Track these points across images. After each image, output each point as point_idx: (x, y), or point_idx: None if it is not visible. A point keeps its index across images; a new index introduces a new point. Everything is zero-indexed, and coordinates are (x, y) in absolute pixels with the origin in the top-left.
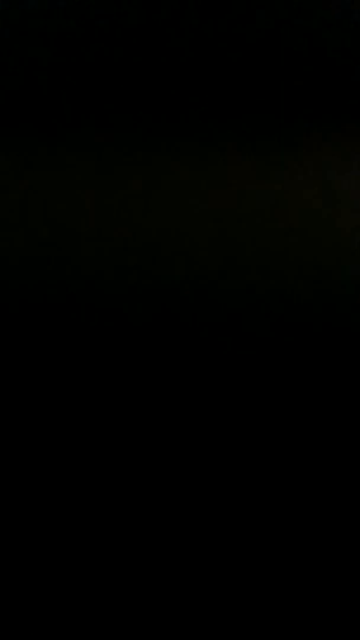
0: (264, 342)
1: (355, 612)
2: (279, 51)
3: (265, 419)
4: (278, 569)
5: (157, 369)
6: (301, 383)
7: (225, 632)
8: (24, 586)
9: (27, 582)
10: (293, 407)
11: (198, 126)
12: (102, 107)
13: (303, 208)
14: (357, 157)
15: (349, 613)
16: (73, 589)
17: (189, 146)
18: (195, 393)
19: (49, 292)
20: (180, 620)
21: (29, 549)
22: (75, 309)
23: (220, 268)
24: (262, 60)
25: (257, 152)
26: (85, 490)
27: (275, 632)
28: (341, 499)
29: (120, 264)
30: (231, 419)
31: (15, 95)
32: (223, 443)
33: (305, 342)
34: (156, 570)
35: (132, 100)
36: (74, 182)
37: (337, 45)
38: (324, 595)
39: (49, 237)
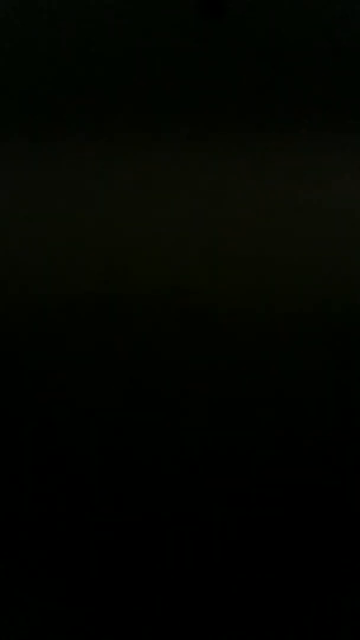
0: (263, 347)
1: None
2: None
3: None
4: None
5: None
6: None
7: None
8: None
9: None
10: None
11: (195, 124)
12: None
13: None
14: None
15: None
16: (72, 590)
17: (186, 145)
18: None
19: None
20: (180, 621)
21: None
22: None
23: (216, 270)
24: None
25: (255, 151)
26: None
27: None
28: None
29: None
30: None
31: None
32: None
33: (303, 343)
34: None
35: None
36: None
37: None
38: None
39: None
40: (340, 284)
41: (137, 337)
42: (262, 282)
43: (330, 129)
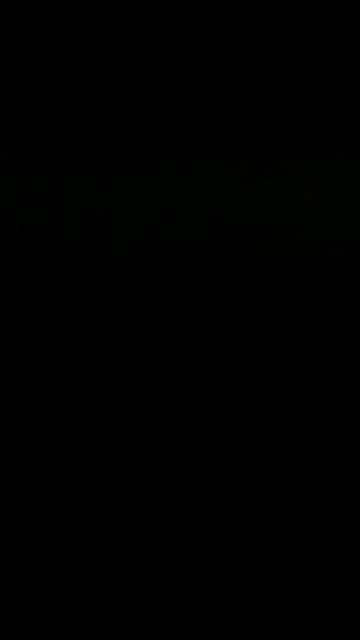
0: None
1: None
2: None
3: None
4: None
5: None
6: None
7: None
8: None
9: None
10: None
11: (200, 129)
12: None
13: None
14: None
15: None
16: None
17: (190, 149)
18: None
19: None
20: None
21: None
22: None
23: (221, 267)
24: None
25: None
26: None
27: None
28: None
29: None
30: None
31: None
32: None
33: (302, 341)
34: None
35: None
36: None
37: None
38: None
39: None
40: None
41: None
42: None
43: (332, 131)
